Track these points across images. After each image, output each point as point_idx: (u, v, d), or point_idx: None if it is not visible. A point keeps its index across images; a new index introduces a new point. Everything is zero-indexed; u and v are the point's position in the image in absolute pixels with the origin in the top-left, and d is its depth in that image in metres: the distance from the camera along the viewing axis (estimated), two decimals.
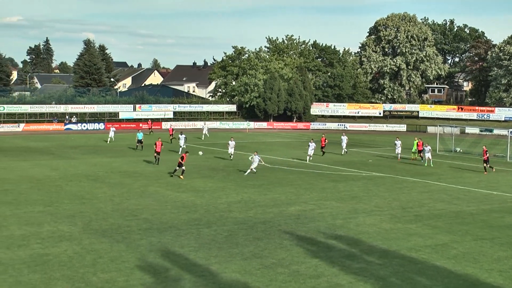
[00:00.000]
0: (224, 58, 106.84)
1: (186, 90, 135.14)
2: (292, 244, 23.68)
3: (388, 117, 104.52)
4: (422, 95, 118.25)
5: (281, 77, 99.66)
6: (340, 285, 19.10)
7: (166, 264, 20.70)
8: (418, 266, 21.25)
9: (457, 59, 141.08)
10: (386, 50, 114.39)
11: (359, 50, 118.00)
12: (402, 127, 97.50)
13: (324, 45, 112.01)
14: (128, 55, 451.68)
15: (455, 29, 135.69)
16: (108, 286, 18.50)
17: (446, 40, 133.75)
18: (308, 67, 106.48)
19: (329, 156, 54.55)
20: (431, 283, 19.56)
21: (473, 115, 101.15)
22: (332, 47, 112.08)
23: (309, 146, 50.73)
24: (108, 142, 63.65)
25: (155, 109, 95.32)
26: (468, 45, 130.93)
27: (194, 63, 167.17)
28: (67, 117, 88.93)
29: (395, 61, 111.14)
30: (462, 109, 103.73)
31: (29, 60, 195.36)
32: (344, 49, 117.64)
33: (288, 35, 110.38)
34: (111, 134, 65.83)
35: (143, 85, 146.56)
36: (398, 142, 54.81)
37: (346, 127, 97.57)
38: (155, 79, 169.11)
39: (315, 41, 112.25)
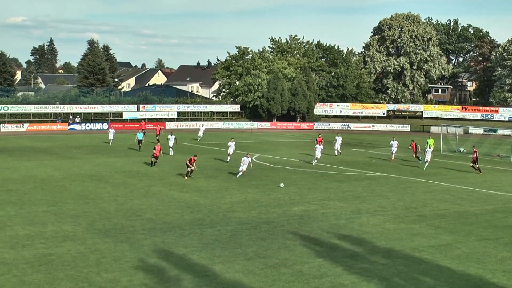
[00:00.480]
0: (228, 58, 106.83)
1: (189, 90, 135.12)
2: (295, 244, 23.69)
3: (392, 117, 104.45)
4: (426, 95, 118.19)
5: (285, 77, 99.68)
6: (343, 285, 19.10)
7: (170, 264, 20.73)
8: (422, 266, 21.24)
9: (461, 59, 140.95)
10: (390, 50, 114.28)
11: (362, 50, 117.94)
12: (406, 127, 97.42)
13: (327, 45, 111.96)
14: (132, 55, 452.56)
15: (459, 29, 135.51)
16: (112, 286, 18.53)
17: (450, 40, 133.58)
18: (311, 67, 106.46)
19: (331, 157, 54.48)
20: (434, 283, 19.55)
21: (477, 115, 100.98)
22: (336, 47, 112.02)
23: (316, 148, 49.61)
24: (109, 144, 62.83)
25: (159, 109, 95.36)
26: (472, 45, 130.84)
27: (198, 63, 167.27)
28: (71, 117, 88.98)
29: (399, 61, 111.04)
30: (466, 109, 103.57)
31: (33, 60, 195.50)
32: (348, 49, 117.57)
33: (291, 35, 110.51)
34: (111, 136, 64.62)
35: (146, 85, 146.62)
36: (394, 143, 53.46)
37: (350, 127, 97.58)
38: (159, 79, 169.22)
39: (319, 41, 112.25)
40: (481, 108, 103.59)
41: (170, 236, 24.59)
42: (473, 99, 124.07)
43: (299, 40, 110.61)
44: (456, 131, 67.18)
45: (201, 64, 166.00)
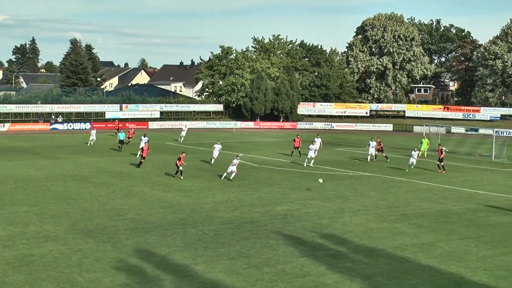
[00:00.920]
0: (211, 57, 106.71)
1: (173, 90, 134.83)
2: (278, 244, 23.70)
3: (375, 116, 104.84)
4: (409, 94, 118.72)
5: (268, 76, 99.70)
6: (326, 284, 19.14)
7: (152, 264, 20.65)
8: (404, 265, 21.34)
9: (443, 59, 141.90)
10: (373, 50, 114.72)
11: (346, 50, 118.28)
12: (389, 127, 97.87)
13: (311, 44, 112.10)
14: (114, 55, 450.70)
15: (441, 29, 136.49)
16: (94, 286, 18.42)
17: (433, 40, 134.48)
18: (295, 66, 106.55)
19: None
20: (416, 282, 19.65)
21: (459, 115, 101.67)
22: (319, 47, 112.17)
23: (309, 149, 48.41)
24: (91, 145, 61.53)
25: (142, 109, 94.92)
26: (454, 45, 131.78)
27: (181, 63, 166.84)
28: (53, 116, 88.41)
29: (382, 60, 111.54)
30: (448, 108, 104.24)
31: (14, 60, 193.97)
32: (331, 48, 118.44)
33: (274, 35, 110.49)
34: (93, 136, 63.71)
35: (129, 84, 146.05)
36: (373, 143, 51.82)
37: (333, 127, 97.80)
38: (142, 78, 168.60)
39: (302, 40, 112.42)
40: (463, 107, 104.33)
41: (152, 236, 24.50)
42: (455, 99, 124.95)
43: (282, 40, 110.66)
44: (438, 131, 67.53)
45: (184, 64, 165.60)
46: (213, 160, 47.65)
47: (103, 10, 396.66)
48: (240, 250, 22.65)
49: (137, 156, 48.67)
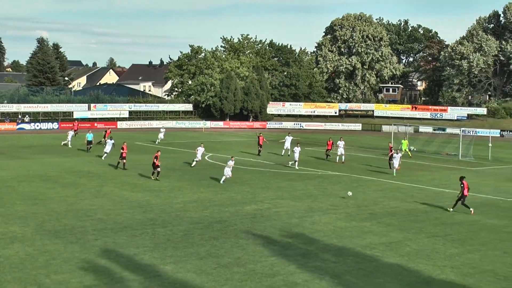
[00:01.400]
0: (181, 57, 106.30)
1: (142, 89, 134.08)
2: (248, 243, 23.69)
3: (344, 116, 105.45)
4: (377, 94, 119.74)
5: (238, 76, 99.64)
6: (296, 284, 19.17)
7: (121, 265, 20.48)
8: (373, 264, 21.48)
9: (411, 59, 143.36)
10: (342, 49, 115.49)
11: (315, 49, 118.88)
12: (358, 126, 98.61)
13: (280, 44, 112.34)
14: (82, 54, 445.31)
15: (409, 30, 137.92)
16: (61, 287, 18.20)
17: (401, 40, 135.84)
18: (264, 66, 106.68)
19: (280, 156, 54.55)
20: (385, 280, 19.80)
21: (427, 114, 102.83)
22: (289, 47, 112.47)
23: (294, 151, 47.33)
24: (69, 146, 60.10)
25: (110, 108, 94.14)
26: (422, 45, 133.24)
27: (150, 62, 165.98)
28: (19, 116, 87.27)
29: (351, 60, 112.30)
30: (416, 108, 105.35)
31: None
32: (301, 48, 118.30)
33: (243, 34, 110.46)
34: (70, 137, 62.00)
35: (98, 84, 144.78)
36: (341, 143, 51.05)
37: (302, 126, 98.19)
38: (111, 78, 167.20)
39: (271, 40, 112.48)
40: (430, 107, 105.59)
41: (121, 236, 24.30)
42: (423, 99, 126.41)
43: (251, 40, 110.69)
44: (406, 130, 68.24)
45: (153, 63, 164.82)
46: (194, 163, 46.87)
47: (70, 8, 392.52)
48: (210, 250, 22.58)
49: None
